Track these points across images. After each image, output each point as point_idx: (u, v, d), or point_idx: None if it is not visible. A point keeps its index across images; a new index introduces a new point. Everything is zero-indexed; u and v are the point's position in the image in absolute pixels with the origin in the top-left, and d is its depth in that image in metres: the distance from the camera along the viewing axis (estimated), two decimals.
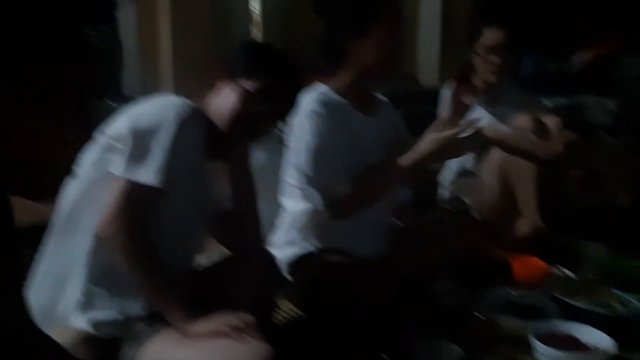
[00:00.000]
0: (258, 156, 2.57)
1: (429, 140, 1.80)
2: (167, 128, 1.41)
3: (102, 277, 1.43)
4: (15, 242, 0.98)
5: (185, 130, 1.43)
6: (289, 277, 1.92)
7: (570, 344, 1.76)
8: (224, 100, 1.53)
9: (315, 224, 1.91)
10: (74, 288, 1.42)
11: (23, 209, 0.91)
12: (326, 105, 1.85)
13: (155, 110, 1.47)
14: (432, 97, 2.86)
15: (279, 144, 2.65)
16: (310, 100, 1.86)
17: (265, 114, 1.55)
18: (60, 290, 1.43)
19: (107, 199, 1.38)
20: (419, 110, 2.78)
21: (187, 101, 1.50)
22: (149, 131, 1.41)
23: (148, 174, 1.39)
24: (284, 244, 1.98)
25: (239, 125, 1.53)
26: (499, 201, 2.47)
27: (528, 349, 1.76)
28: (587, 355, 1.73)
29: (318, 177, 1.82)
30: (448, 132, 1.79)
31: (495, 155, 2.53)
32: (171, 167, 1.40)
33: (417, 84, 4.61)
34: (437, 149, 1.79)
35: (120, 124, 1.45)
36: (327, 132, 1.82)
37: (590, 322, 1.83)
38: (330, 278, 1.85)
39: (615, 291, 2.06)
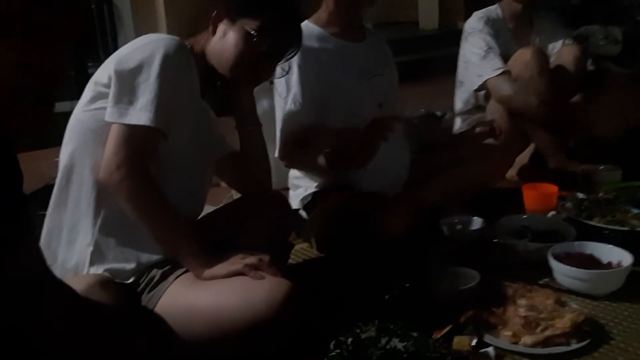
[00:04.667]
0: (261, 103, 2.56)
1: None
2: (152, 64, 1.35)
3: (110, 227, 1.40)
4: (26, 200, 0.99)
5: (173, 65, 1.37)
6: (304, 215, 1.92)
7: (589, 262, 1.75)
8: (224, 42, 1.48)
9: None
10: (84, 240, 1.39)
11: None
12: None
13: (139, 48, 1.40)
14: (432, 41, 2.82)
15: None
16: None
17: (268, 54, 1.50)
18: (71, 244, 1.40)
19: (107, 148, 1.34)
20: (419, 54, 2.75)
21: (174, 37, 1.44)
22: (133, 69, 1.35)
23: (139, 115, 1.33)
24: (297, 184, 2.01)
25: (242, 67, 1.49)
26: (508, 132, 2.44)
27: (546, 270, 1.75)
28: (606, 271, 1.72)
29: (283, 116, 1.89)
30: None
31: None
32: (163, 104, 1.35)
33: (417, 29, 4.56)
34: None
35: (106, 68, 1.40)
36: (301, 74, 1.85)
37: (607, 240, 1.82)
38: (346, 207, 1.85)
39: (631, 209, 2.03)
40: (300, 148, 1.87)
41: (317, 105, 1.88)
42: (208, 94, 1.57)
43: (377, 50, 2.06)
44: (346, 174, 1.94)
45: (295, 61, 1.80)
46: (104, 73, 1.39)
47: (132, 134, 1.34)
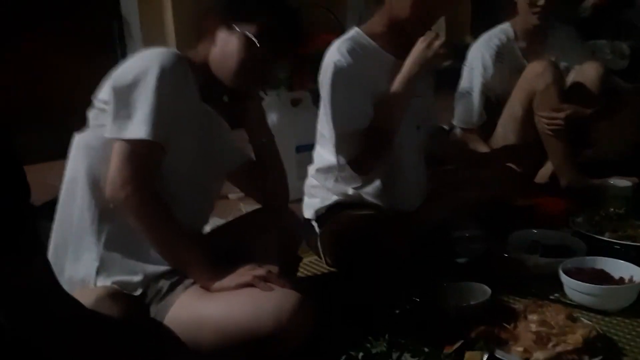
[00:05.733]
0: (269, 117, 2.57)
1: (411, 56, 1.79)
2: (148, 78, 1.34)
3: (115, 242, 1.39)
4: (33, 211, 0.99)
5: (170, 78, 1.36)
6: (317, 227, 1.91)
7: (600, 277, 1.74)
8: (224, 51, 1.46)
9: (346, 175, 1.91)
10: (89, 256, 1.39)
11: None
12: (351, 52, 1.81)
13: (136, 62, 1.39)
14: None
15: (288, 104, 2.65)
16: (332, 51, 1.83)
17: (269, 58, 1.47)
18: (77, 260, 1.40)
19: (111, 165, 1.34)
20: None
21: (172, 49, 1.44)
22: (130, 84, 1.34)
23: (137, 130, 1.33)
24: (314, 193, 1.98)
25: (244, 74, 1.46)
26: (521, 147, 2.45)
27: (557, 285, 1.74)
28: (618, 287, 1.70)
29: (341, 133, 1.81)
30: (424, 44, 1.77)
31: (516, 111, 2.51)
32: (161, 117, 1.34)
33: None
34: (419, 60, 1.77)
35: (106, 85, 1.39)
36: (350, 84, 1.79)
37: (618, 255, 1.81)
38: (358, 228, 1.84)
39: None
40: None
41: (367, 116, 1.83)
42: (217, 105, 1.57)
43: None
44: (365, 189, 1.92)
45: (345, 65, 1.78)
46: (104, 90, 1.39)
47: (134, 149, 1.34)
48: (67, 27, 0.82)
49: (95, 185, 1.39)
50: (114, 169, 1.34)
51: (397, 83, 1.80)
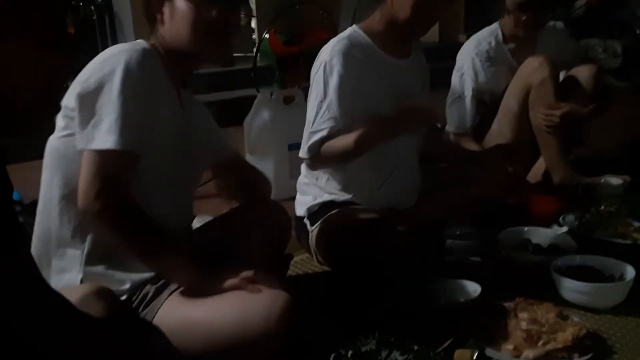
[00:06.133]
0: (261, 114, 2.57)
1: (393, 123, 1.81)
2: (112, 82, 1.26)
3: (97, 254, 1.35)
4: (17, 209, 0.97)
5: (135, 78, 1.28)
6: (309, 224, 1.91)
7: (591, 275, 1.73)
8: (175, 23, 1.38)
9: (338, 173, 1.90)
10: (73, 268, 1.36)
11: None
12: (346, 54, 1.79)
13: (99, 65, 1.30)
14: (432, 53, 2.82)
15: (280, 102, 2.65)
16: (327, 50, 1.82)
17: (219, 12, 1.37)
18: (60, 272, 1.37)
19: (81, 177, 1.27)
20: None
21: (137, 44, 1.35)
22: (95, 90, 1.27)
23: (105, 140, 1.25)
24: (306, 190, 1.98)
25: (203, 35, 1.37)
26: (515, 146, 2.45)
27: (548, 283, 1.73)
28: (609, 285, 1.70)
29: (313, 129, 1.80)
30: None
31: (511, 106, 2.51)
32: (132, 123, 1.27)
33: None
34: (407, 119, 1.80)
35: (72, 90, 1.31)
36: (340, 83, 1.77)
37: (610, 254, 1.81)
38: (350, 226, 1.82)
39: (633, 222, 2.03)
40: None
41: (350, 118, 1.80)
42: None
43: (418, 69, 1.98)
44: (358, 188, 1.92)
45: (337, 66, 1.76)
46: (71, 96, 1.31)
47: (103, 160, 1.27)
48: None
49: (71, 197, 1.32)
50: (84, 181, 1.27)
51: (377, 135, 1.80)
